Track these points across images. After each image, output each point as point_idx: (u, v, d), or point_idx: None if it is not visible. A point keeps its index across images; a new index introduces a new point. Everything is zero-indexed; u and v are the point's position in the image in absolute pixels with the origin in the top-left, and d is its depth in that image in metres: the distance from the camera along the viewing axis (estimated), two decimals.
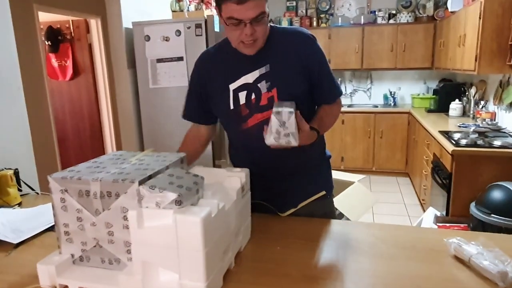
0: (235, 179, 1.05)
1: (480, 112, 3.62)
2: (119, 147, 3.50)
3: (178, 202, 0.81)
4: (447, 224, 2.63)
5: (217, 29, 3.03)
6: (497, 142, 2.73)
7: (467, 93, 4.10)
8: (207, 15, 3.06)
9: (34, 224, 1.27)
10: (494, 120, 3.49)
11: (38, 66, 2.66)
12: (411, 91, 5.22)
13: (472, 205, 2.45)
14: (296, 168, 1.31)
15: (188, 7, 3.68)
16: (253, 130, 1.25)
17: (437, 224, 2.68)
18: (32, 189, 1.68)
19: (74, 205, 0.93)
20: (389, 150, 4.83)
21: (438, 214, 2.86)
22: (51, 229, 1.24)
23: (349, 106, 5.19)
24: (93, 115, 3.46)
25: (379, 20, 5.01)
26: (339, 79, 5.37)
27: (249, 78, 1.23)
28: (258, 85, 1.22)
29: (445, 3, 4.64)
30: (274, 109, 1.07)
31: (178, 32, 3.02)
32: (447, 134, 3.05)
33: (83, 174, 0.92)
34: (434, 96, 4.64)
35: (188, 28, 3.00)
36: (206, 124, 1.41)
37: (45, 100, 2.74)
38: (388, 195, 4.27)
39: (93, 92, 3.40)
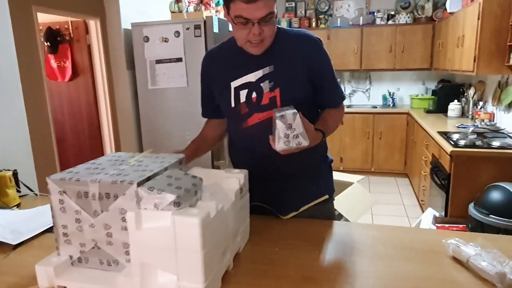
0: (234, 180, 1.05)
1: (479, 112, 3.63)
2: (118, 148, 3.50)
3: (177, 204, 0.81)
4: (446, 225, 2.64)
5: (216, 30, 3.03)
6: (495, 143, 2.73)
7: (465, 94, 4.11)
8: (206, 16, 3.05)
9: (32, 225, 1.27)
10: (493, 121, 3.50)
11: (37, 67, 2.66)
12: (410, 91, 5.23)
13: (471, 205, 2.45)
14: (297, 169, 1.31)
15: (187, 8, 3.68)
16: (253, 130, 1.25)
17: (436, 224, 2.69)
18: (31, 190, 1.68)
19: (72, 207, 0.93)
20: (388, 151, 4.84)
21: (437, 214, 2.86)
22: (49, 230, 1.24)
23: (348, 106, 5.18)
24: (92, 116, 3.46)
25: (378, 21, 5.01)
26: (338, 79, 5.36)
27: (252, 77, 1.23)
28: (261, 84, 1.22)
29: (444, 4, 4.66)
30: (277, 114, 1.04)
31: (177, 33, 3.02)
32: (445, 135, 3.06)
33: (82, 176, 0.92)
34: (432, 97, 4.65)
35: (187, 29, 3.00)
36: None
37: (44, 101, 2.73)
38: (387, 196, 4.28)
39: (92, 93, 3.40)
